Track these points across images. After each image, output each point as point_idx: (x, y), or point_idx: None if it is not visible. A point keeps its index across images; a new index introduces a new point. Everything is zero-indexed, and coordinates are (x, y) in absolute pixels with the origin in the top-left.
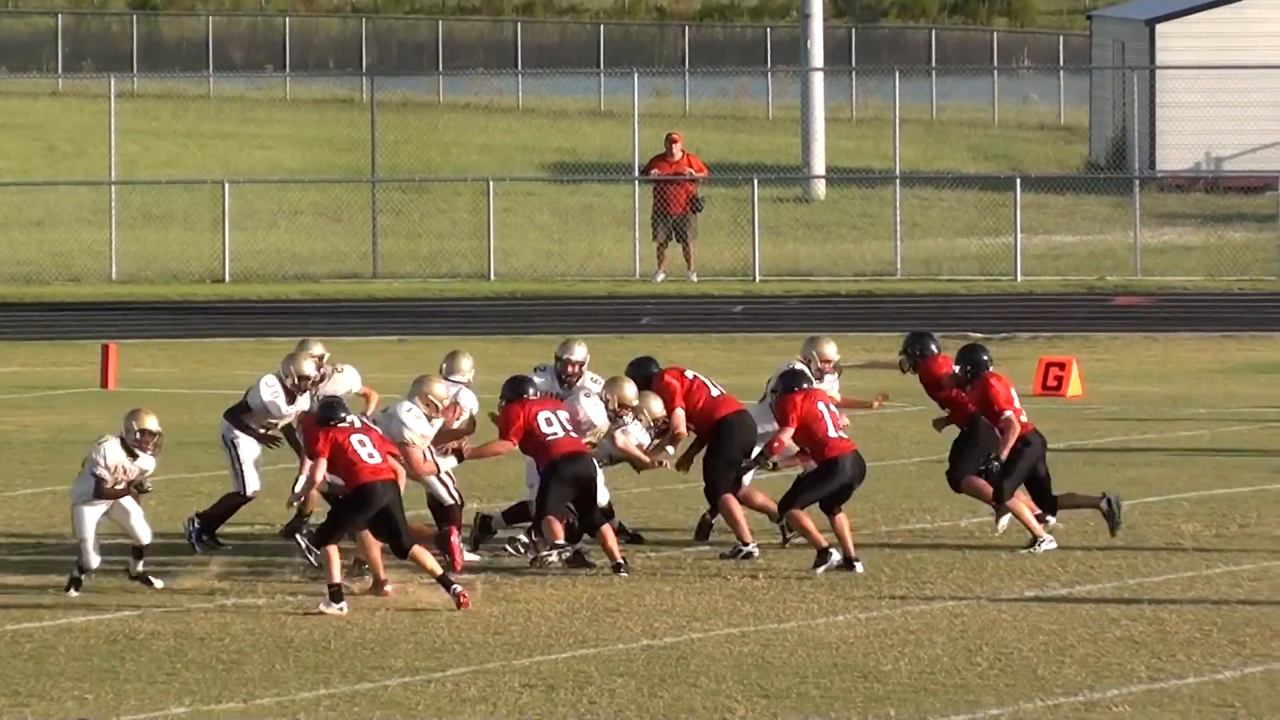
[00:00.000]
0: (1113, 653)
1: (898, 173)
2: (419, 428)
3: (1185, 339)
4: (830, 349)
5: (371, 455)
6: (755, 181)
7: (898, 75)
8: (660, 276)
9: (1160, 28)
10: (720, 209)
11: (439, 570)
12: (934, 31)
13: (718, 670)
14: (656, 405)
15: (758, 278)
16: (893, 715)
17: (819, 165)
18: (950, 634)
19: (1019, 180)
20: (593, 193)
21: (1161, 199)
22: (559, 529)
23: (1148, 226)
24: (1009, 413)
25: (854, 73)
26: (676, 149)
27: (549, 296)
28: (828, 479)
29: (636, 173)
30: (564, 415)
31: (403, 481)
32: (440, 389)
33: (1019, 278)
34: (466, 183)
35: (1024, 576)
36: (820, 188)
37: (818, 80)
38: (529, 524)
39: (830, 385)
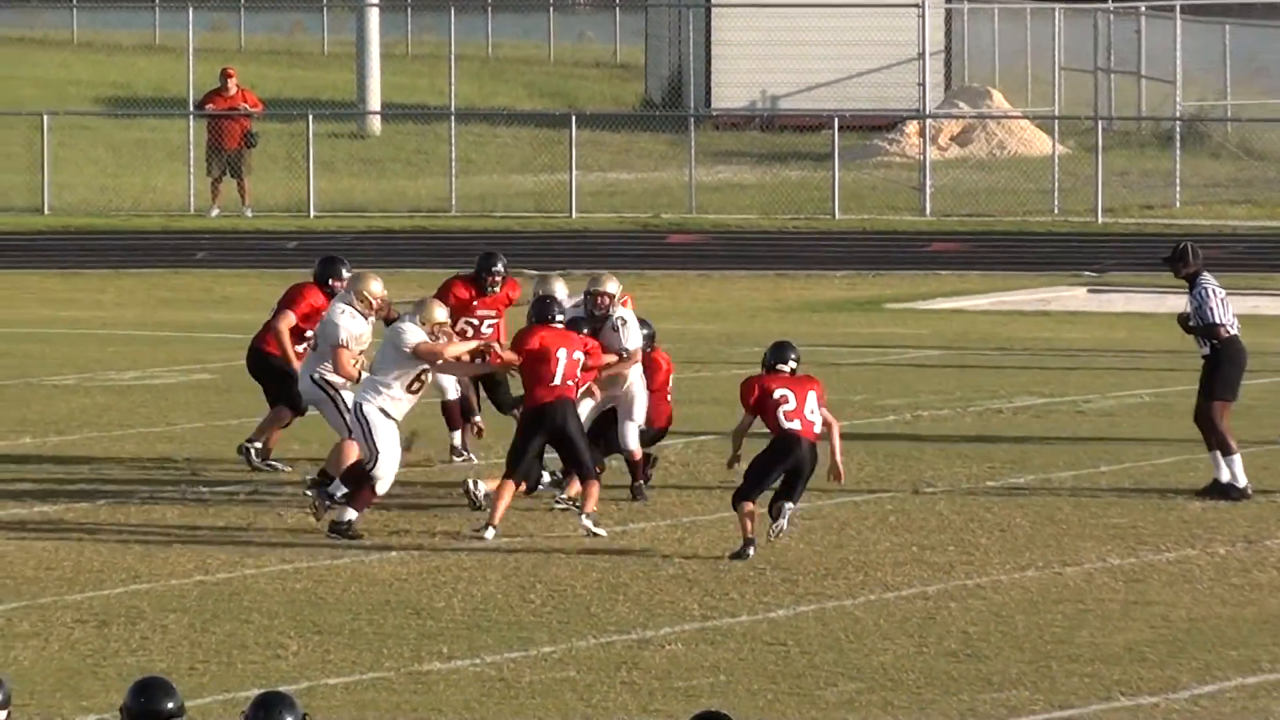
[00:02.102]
0: (666, 591)
1: (453, 109)
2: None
3: (740, 277)
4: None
5: None
6: (310, 117)
7: (453, 11)
8: (215, 211)
9: None
10: (275, 144)
11: None
12: None
13: (270, 606)
14: None
15: (312, 213)
16: (445, 652)
17: (374, 101)
18: (504, 571)
19: (574, 117)
20: (148, 127)
21: (717, 137)
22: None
23: (703, 165)
24: None
25: (410, 8)
26: (232, 84)
27: (104, 231)
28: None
29: (191, 108)
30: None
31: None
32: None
33: (574, 215)
34: (20, 116)
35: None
36: (376, 124)
37: (373, 16)
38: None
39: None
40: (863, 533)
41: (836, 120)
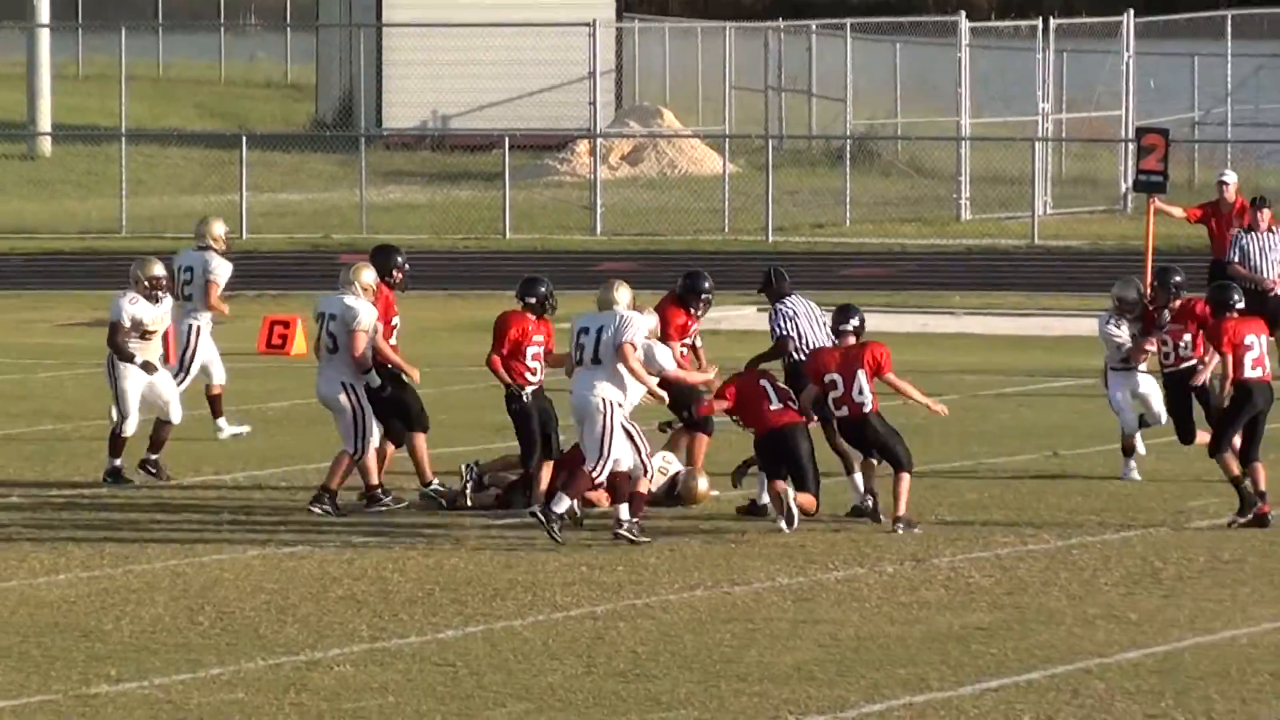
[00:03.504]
0: (335, 612)
1: (124, 130)
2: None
3: (411, 296)
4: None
5: None
6: None
7: (124, 30)
8: None
9: None
10: None
11: None
12: None
13: None
14: None
15: None
16: (114, 674)
17: (45, 122)
18: (172, 593)
19: (245, 138)
20: None
21: (388, 157)
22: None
23: (374, 185)
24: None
25: (80, 29)
26: None
27: None
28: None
29: None
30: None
31: None
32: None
33: (244, 235)
34: None
35: (254, 531)
36: (46, 145)
37: (44, 37)
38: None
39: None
40: (532, 553)
41: (507, 140)
